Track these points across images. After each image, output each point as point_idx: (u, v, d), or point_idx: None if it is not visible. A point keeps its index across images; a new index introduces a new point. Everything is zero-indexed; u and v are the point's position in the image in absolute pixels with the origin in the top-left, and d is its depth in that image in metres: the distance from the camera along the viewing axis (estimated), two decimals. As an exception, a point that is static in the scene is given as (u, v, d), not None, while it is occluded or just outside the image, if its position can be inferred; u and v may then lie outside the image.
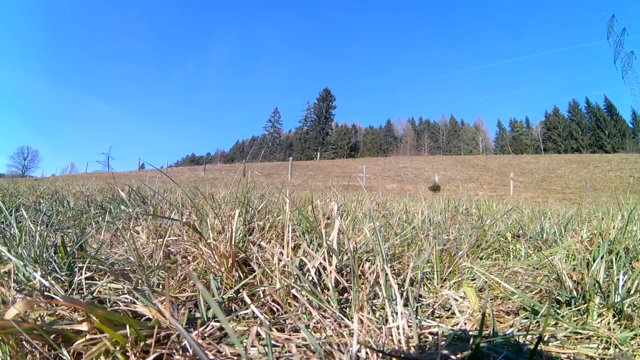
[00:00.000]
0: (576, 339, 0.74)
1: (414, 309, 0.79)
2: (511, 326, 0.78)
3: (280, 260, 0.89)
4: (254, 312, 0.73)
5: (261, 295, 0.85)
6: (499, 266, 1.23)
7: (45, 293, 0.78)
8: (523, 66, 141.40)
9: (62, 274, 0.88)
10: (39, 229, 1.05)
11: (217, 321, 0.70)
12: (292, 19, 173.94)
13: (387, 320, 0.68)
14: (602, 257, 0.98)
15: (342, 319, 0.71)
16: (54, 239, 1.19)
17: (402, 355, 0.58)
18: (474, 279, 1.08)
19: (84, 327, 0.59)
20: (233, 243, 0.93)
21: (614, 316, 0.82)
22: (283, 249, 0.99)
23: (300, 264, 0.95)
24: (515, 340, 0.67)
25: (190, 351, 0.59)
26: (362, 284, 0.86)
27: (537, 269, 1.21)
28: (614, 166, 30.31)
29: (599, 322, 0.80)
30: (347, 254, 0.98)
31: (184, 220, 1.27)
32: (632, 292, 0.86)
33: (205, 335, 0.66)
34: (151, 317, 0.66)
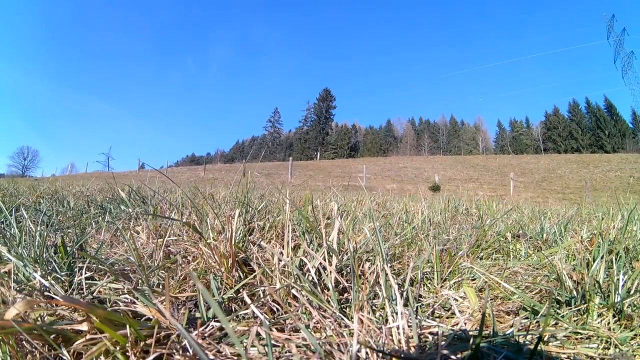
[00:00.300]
0: (576, 339, 0.74)
1: (414, 309, 0.79)
2: (511, 326, 0.78)
3: (280, 260, 0.89)
4: (254, 312, 0.73)
5: (261, 295, 0.85)
6: (499, 266, 1.23)
7: (45, 293, 0.78)
8: (523, 66, 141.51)
9: (62, 274, 0.88)
10: (39, 229, 1.05)
11: (217, 321, 0.70)
12: (292, 19, 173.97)
13: (387, 320, 0.68)
14: (602, 257, 0.98)
15: (342, 319, 0.71)
16: (54, 239, 1.19)
17: (402, 355, 0.58)
18: (474, 279, 1.08)
19: (84, 327, 0.59)
20: (233, 243, 0.93)
21: (614, 316, 0.82)
22: (283, 249, 0.99)
23: (300, 264, 0.95)
24: (515, 340, 0.67)
25: (191, 351, 0.59)
26: (362, 284, 0.86)
27: (537, 269, 1.21)
28: (614, 166, 30.31)
29: (599, 322, 0.80)
30: (347, 254, 0.98)
31: (184, 220, 1.27)
32: (632, 292, 0.86)
33: (205, 335, 0.66)
34: (151, 317, 0.66)
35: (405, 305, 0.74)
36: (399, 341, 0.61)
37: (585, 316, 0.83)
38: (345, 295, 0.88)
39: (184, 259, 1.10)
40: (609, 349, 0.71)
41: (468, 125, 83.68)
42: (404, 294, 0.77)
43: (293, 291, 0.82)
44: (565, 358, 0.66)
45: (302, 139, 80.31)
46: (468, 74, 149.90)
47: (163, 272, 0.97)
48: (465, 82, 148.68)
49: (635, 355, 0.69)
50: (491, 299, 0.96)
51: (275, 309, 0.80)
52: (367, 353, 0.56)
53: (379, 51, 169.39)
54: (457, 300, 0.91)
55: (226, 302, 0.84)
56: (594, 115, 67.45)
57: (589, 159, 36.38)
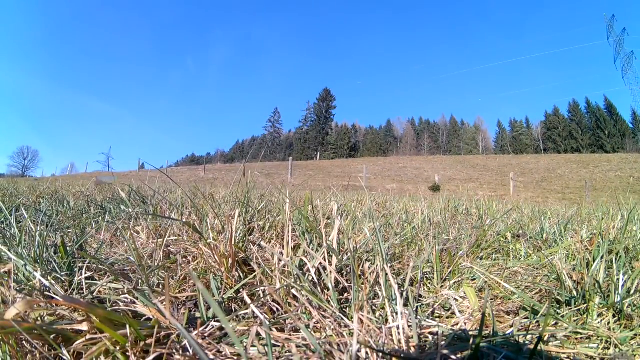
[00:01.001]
0: (576, 339, 0.74)
1: (414, 309, 0.79)
2: (511, 326, 0.78)
3: (280, 260, 0.89)
4: (254, 312, 0.73)
5: (261, 295, 0.85)
6: (499, 266, 1.23)
7: (46, 293, 0.78)
8: (523, 66, 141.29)
9: (62, 273, 0.88)
10: (39, 228, 1.05)
11: (217, 321, 0.70)
12: (292, 19, 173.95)
13: (387, 320, 0.68)
14: (602, 257, 0.98)
15: (342, 319, 0.71)
16: (54, 239, 1.19)
17: (402, 355, 0.58)
18: (474, 279, 1.08)
19: (84, 327, 0.59)
20: (233, 243, 0.93)
21: (614, 316, 0.82)
22: (283, 249, 0.99)
23: (300, 264, 0.95)
24: (515, 340, 0.67)
25: (191, 351, 0.59)
26: (362, 284, 0.86)
27: (537, 269, 1.21)
28: (614, 166, 30.30)
29: (599, 322, 0.80)
30: (347, 253, 0.98)
31: (184, 220, 1.26)
32: (632, 292, 0.86)
33: (206, 335, 0.66)
34: (151, 317, 0.66)
35: (405, 305, 0.74)
36: (399, 341, 0.61)
37: (585, 316, 0.83)
38: (345, 295, 0.88)
39: (184, 259, 1.10)
40: (609, 349, 0.71)
41: (468, 125, 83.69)
42: (404, 294, 0.77)
43: (293, 291, 0.82)
44: (565, 358, 0.66)
45: (302, 139, 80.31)
46: (468, 74, 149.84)
47: (163, 272, 0.97)
48: (465, 82, 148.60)
49: (635, 355, 0.69)
50: (491, 299, 0.96)
51: (275, 309, 0.80)
52: (367, 353, 0.56)
53: (379, 51, 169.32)
54: (457, 300, 0.91)
55: (226, 302, 0.84)
56: (594, 115, 67.44)
57: (589, 159, 36.38)
